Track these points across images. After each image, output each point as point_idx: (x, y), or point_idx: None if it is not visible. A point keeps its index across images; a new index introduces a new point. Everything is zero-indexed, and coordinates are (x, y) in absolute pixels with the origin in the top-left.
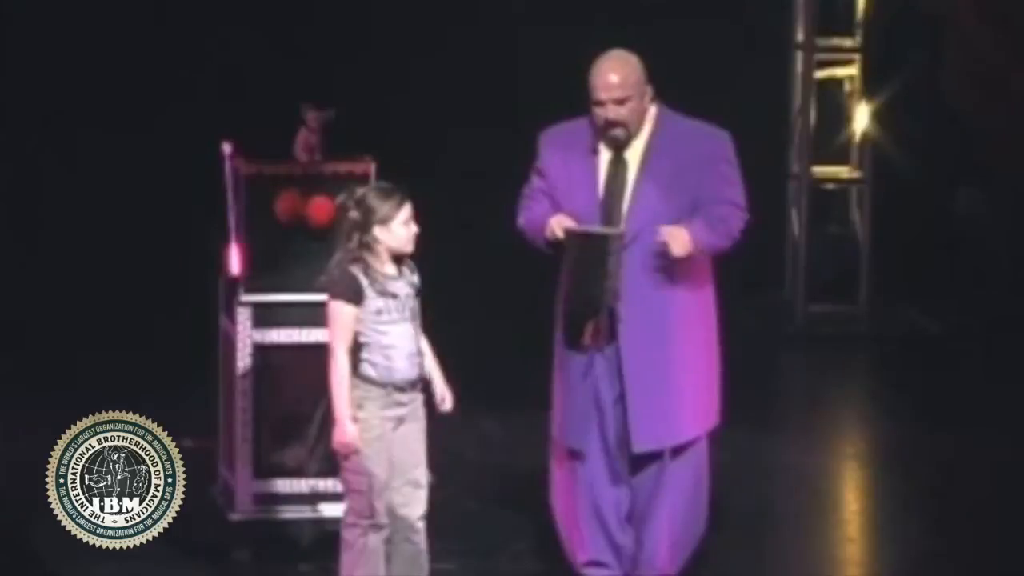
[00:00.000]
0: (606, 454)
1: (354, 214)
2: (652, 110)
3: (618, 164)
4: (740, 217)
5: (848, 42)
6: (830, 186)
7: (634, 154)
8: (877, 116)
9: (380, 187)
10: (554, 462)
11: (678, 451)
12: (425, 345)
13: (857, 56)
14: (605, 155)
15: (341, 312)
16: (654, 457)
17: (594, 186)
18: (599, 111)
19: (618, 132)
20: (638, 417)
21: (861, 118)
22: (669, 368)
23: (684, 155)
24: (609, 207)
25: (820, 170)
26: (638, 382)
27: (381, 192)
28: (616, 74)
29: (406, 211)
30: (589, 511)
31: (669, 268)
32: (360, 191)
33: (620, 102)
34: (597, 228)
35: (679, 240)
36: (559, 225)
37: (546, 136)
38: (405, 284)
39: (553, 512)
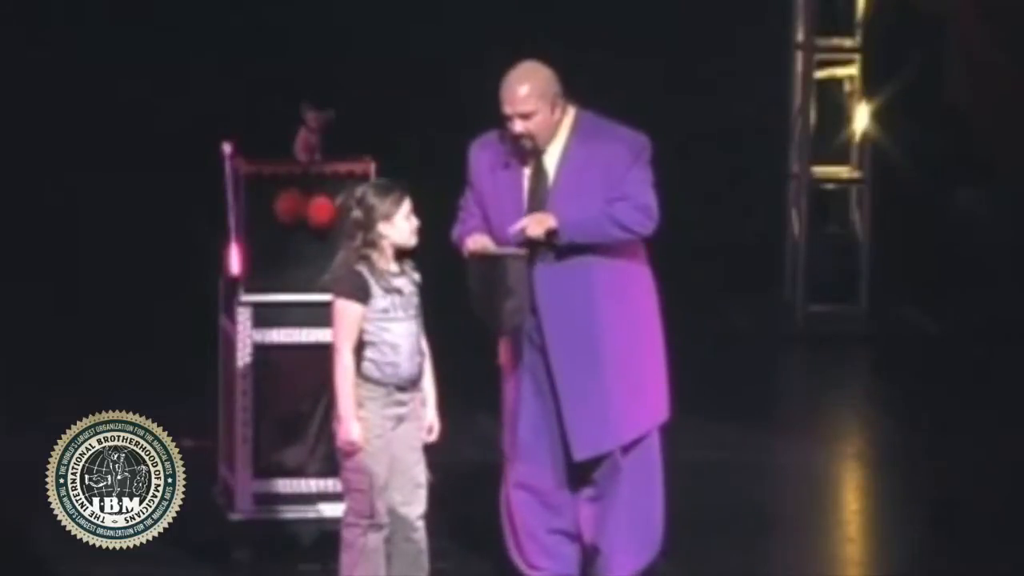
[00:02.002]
0: (548, 466)
1: (357, 213)
2: (570, 114)
3: (539, 175)
4: (645, 215)
5: (848, 42)
6: (830, 186)
7: (552, 163)
8: (877, 116)
9: (379, 184)
10: (505, 472)
11: (626, 452)
12: (425, 347)
13: (857, 56)
14: (528, 165)
15: (348, 310)
16: (602, 461)
17: (519, 198)
18: (508, 123)
19: (526, 143)
20: (575, 426)
21: (861, 118)
22: (600, 373)
23: (600, 158)
24: None
25: (820, 170)
26: (570, 391)
27: (381, 189)
28: (522, 89)
29: (407, 205)
30: (525, 522)
31: (591, 273)
32: (360, 190)
33: (526, 116)
34: (496, 249)
35: (535, 219)
36: (473, 244)
37: (475, 146)
38: (408, 281)
39: (501, 519)
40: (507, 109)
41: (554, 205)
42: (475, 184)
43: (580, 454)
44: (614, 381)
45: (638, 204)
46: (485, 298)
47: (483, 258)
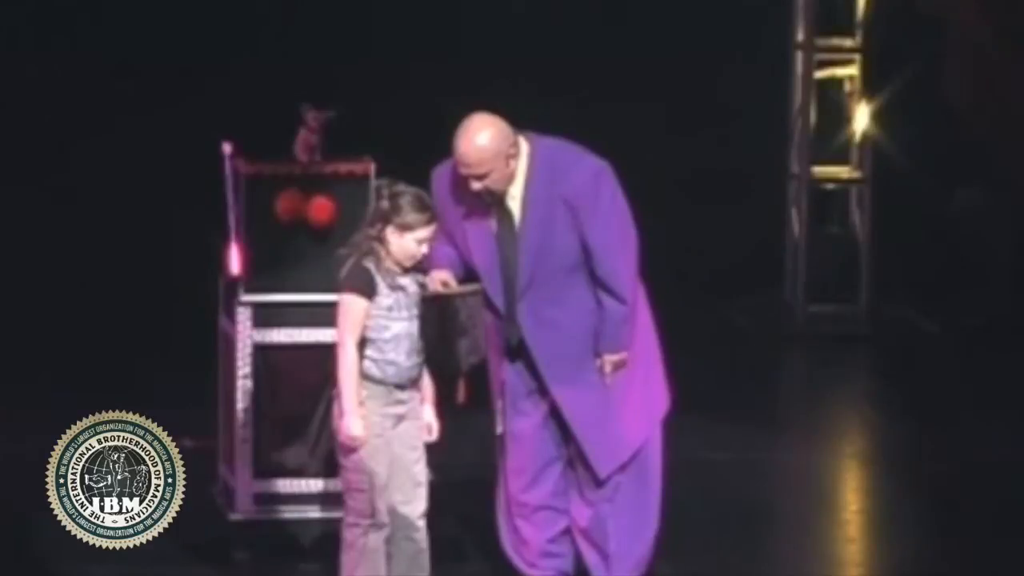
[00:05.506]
0: (547, 480)
1: (384, 203)
2: (525, 151)
3: (504, 220)
4: (630, 243)
5: (848, 42)
6: (830, 186)
7: (516, 205)
8: (877, 116)
9: (421, 196)
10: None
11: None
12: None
13: (857, 56)
14: (494, 207)
15: (354, 305)
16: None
17: (490, 243)
18: (464, 178)
19: (485, 196)
20: (592, 450)
21: (861, 118)
22: (605, 397)
23: (562, 193)
24: (506, 264)
25: (820, 170)
26: (581, 422)
27: (417, 201)
28: (473, 154)
29: (426, 232)
30: (523, 531)
31: (569, 303)
32: (402, 187)
33: (480, 177)
34: (448, 289)
35: (615, 360)
36: (431, 284)
37: (436, 175)
38: (412, 281)
39: (498, 521)
40: (462, 170)
41: (525, 250)
42: (442, 213)
43: (604, 472)
44: (620, 397)
45: (617, 246)
46: (438, 341)
47: (434, 299)
